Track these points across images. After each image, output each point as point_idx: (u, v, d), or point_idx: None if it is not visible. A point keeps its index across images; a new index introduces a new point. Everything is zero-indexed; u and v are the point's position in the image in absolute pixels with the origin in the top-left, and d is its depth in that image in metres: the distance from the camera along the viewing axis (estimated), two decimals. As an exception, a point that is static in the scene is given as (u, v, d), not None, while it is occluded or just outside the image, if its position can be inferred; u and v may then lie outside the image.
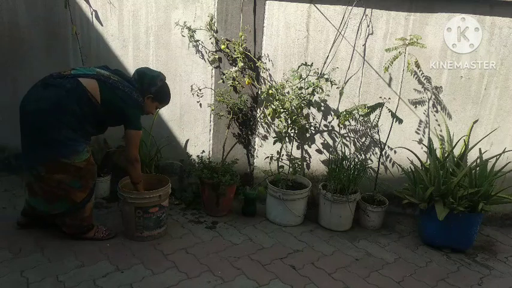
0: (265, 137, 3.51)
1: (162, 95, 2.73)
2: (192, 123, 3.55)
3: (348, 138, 3.43)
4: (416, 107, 3.29)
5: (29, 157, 2.48)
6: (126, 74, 2.67)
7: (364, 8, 3.12)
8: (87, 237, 2.69)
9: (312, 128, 3.43)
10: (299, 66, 3.09)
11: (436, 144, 3.30)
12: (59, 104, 2.37)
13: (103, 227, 2.77)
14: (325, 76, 3.13)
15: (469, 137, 3.25)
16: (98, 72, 2.51)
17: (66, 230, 2.65)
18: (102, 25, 3.42)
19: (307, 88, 3.16)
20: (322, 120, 3.41)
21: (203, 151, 3.53)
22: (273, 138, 3.46)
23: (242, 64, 3.23)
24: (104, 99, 2.45)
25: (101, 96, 2.44)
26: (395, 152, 3.40)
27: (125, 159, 2.67)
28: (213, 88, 3.43)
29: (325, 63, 3.27)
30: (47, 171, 2.44)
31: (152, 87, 2.64)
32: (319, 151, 3.49)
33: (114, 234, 2.78)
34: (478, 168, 2.94)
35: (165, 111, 3.55)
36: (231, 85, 3.32)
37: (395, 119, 3.20)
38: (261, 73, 3.35)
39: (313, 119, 3.42)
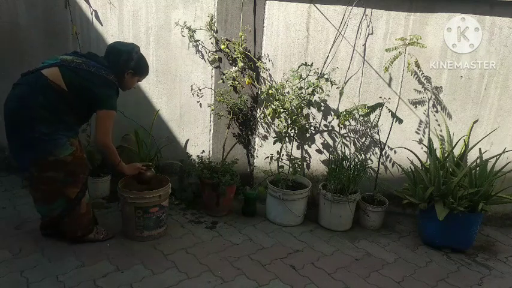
0: (265, 137, 3.51)
1: (142, 68, 2.62)
2: (192, 123, 3.55)
3: (348, 138, 3.43)
4: (416, 107, 3.29)
5: (18, 161, 2.45)
6: (98, 55, 2.53)
7: (364, 8, 3.12)
8: (87, 239, 2.67)
9: (312, 128, 3.43)
10: (299, 66, 3.09)
11: (436, 144, 3.30)
12: (24, 101, 2.31)
13: (101, 228, 2.76)
14: (325, 76, 3.13)
15: (469, 137, 3.25)
16: (61, 59, 2.40)
17: (68, 233, 2.62)
18: (102, 25, 3.42)
19: (307, 88, 3.16)
20: (322, 120, 3.41)
21: (203, 151, 3.53)
22: (273, 138, 3.46)
23: (242, 64, 3.23)
24: (68, 84, 2.33)
25: (64, 82, 2.33)
26: (395, 152, 3.40)
27: (95, 146, 2.54)
28: (213, 88, 3.43)
29: (325, 63, 3.27)
30: (39, 170, 2.40)
31: (131, 62, 2.51)
32: (319, 151, 3.49)
33: (112, 234, 2.76)
34: (478, 168, 2.94)
35: (164, 111, 3.55)
36: (231, 85, 3.32)
37: (395, 119, 3.20)
38: (261, 73, 3.35)
39: (313, 119, 3.42)
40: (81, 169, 2.50)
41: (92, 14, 3.40)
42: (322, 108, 3.38)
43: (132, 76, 2.59)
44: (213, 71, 3.40)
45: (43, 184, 2.45)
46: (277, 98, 3.15)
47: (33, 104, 2.30)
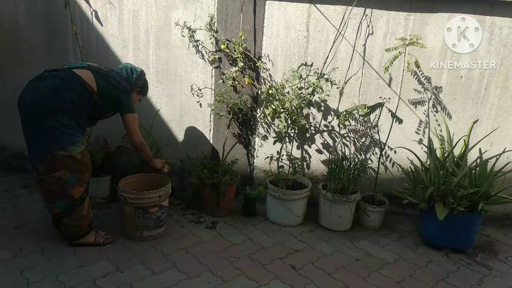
0: (265, 137, 3.51)
1: (146, 89, 2.97)
2: (192, 123, 3.55)
3: (348, 138, 3.43)
4: (416, 107, 3.29)
5: (31, 155, 2.50)
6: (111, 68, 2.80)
7: (364, 8, 3.12)
8: (87, 242, 2.65)
9: (312, 128, 3.43)
10: (299, 66, 3.09)
11: (436, 144, 3.30)
12: (56, 91, 2.41)
13: (102, 232, 2.74)
14: (325, 76, 3.13)
15: (469, 137, 3.25)
16: (88, 64, 2.65)
17: (66, 232, 2.62)
18: (102, 25, 3.42)
19: (307, 88, 3.16)
20: (322, 120, 3.41)
21: (203, 151, 3.53)
22: (273, 138, 3.46)
23: (242, 64, 3.23)
24: (99, 88, 2.54)
25: (97, 84, 2.54)
26: (395, 152, 3.40)
27: (133, 147, 2.82)
28: (213, 88, 3.43)
29: (325, 63, 3.27)
30: (47, 169, 2.43)
31: (139, 82, 2.84)
32: (319, 151, 3.49)
33: (113, 238, 2.75)
34: (478, 168, 2.94)
35: (164, 111, 3.55)
36: (231, 85, 3.32)
37: (395, 119, 3.20)
38: (261, 73, 3.35)
39: (313, 119, 3.42)
40: (86, 168, 2.57)
41: (92, 14, 3.40)
42: (322, 108, 3.38)
43: (137, 94, 2.90)
44: (213, 71, 3.40)
45: (49, 183, 2.46)
46: (277, 98, 3.15)
47: (63, 96, 2.42)
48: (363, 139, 3.42)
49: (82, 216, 2.59)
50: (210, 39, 3.32)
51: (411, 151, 3.21)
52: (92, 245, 2.66)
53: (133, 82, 2.80)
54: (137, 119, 2.76)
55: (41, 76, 2.51)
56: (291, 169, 3.37)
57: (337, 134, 3.42)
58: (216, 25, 3.28)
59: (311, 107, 3.38)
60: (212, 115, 3.48)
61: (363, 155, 3.44)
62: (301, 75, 3.07)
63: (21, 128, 2.52)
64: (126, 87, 2.70)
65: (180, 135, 3.60)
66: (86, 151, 2.57)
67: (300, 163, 3.45)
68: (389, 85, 3.26)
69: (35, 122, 2.43)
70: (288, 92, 3.17)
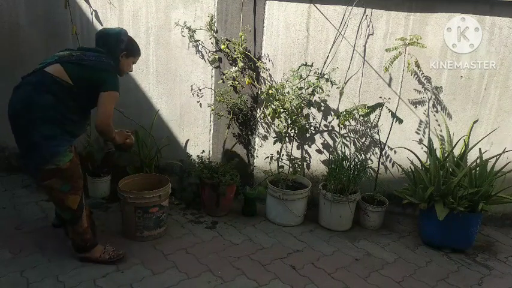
0: (265, 137, 3.51)
1: (133, 48, 2.61)
2: (192, 123, 3.55)
3: (348, 138, 3.43)
4: (416, 107, 3.29)
5: (26, 167, 2.43)
6: (89, 47, 2.51)
7: (364, 8, 3.12)
8: (93, 257, 2.48)
9: (312, 128, 3.43)
10: (299, 67, 3.09)
11: (436, 144, 3.30)
12: (28, 101, 2.26)
13: (110, 247, 2.55)
14: (325, 76, 3.13)
15: (469, 137, 3.25)
16: (58, 55, 2.39)
17: (73, 245, 2.49)
18: (102, 25, 3.41)
19: (307, 88, 3.16)
20: (322, 120, 3.41)
21: (203, 151, 3.53)
22: (273, 138, 3.46)
23: (242, 64, 3.23)
24: (74, 78, 2.30)
25: (70, 76, 2.30)
26: (395, 152, 3.40)
27: (96, 127, 2.37)
28: (213, 88, 3.43)
29: (325, 63, 3.27)
30: (38, 180, 2.35)
31: (121, 44, 2.50)
32: (319, 151, 3.49)
33: (122, 254, 2.54)
34: (478, 168, 2.94)
35: (164, 111, 3.55)
36: (231, 85, 3.32)
37: (395, 119, 3.20)
38: (261, 73, 3.35)
39: (313, 119, 3.42)
40: (78, 174, 2.41)
41: (92, 14, 3.40)
42: (322, 108, 3.38)
43: (127, 58, 2.57)
44: (213, 71, 3.40)
45: (46, 192, 2.40)
46: (277, 98, 3.15)
47: (38, 104, 2.25)
48: (363, 139, 3.42)
49: (84, 228, 2.44)
50: (210, 39, 3.32)
51: (411, 151, 3.21)
52: (98, 261, 2.48)
53: (114, 47, 2.47)
54: (115, 99, 2.40)
55: (17, 86, 2.37)
56: (291, 169, 3.37)
57: (337, 134, 3.42)
58: (216, 25, 3.28)
59: (311, 107, 3.38)
60: (212, 115, 3.48)
61: (363, 155, 3.44)
62: (301, 75, 3.07)
63: None
64: (105, 64, 2.38)
65: (180, 135, 3.60)
66: (75, 158, 2.38)
67: (300, 163, 3.45)
68: (389, 85, 3.26)
69: (17, 135, 2.33)
70: (288, 92, 3.17)
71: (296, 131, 3.34)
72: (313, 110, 3.39)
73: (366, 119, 3.34)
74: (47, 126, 2.26)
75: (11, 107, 2.33)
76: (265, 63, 3.32)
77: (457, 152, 3.20)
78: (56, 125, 2.29)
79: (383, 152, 3.40)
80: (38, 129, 2.25)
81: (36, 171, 2.31)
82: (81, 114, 2.44)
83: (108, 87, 2.36)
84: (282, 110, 3.18)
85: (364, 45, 3.21)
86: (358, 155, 3.40)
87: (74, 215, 2.39)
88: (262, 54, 3.32)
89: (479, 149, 3.03)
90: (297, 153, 3.50)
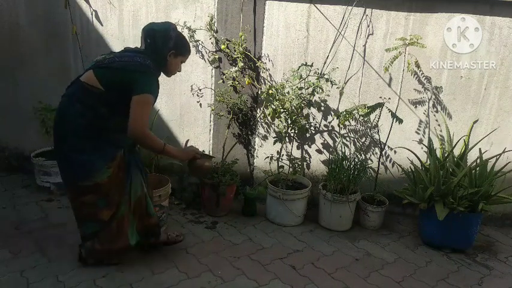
0: (265, 137, 3.51)
1: (183, 46, 2.33)
2: (192, 123, 3.55)
3: (348, 138, 3.43)
4: (416, 107, 3.29)
5: (62, 179, 2.36)
6: (135, 48, 2.34)
7: (364, 8, 3.12)
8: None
9: (312, 128, 3.43)
10: (299, 67, 3.09)
11: (436, 144, 3.30)
12: (62, 113, 2.21)
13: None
14: (325, 76, 3.13)
15: (469, 137, 3.25)
16: (95, 61, 2.25)
17: (89, 256, 2.40)
18: (102, 25, 3.42)
19: (307, 88, 3.16)
20: (322, 120, 3.41)
21: (203, 151, 3.53)
22: (273, 138, 3.46)
23: (242, 64, 3.23)
24: (104, 83, 2.15)
25: (100, 82, 2.14)
26: (395, 152, 3.40)
27: (130, 135, 2.14)
28: (213, 88, 3.43)
29: (325, 63, 3.27)
30: (72, 196, 2.31)
31: (170, 42, 2.25)
32: (319, 151, 3.49)
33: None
34: (478, 168, 2.94)
35: (164, 111, 3.55)
36: (231, 85, 3.31)
37: (395, 119, 3.19)
38: (261, 73, 3.35)
39: (313, 119, 3.42)
40: (116, 190, 2.28)
41: (92, 14, 3.40)
42: (322, 108, 3.38)
43: (175, 57, 2.31)
44: (213, 71, 3.40)
45: (76, 208, 2.32)
46: (277, 98, 3.15)
47: (69, 115, 2.17)
48: (363, 139, 3.42)
49: (113, 238, 2.34)
50: (210, 39, 3.32)
51: (411, 151, 3.21)
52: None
53: (161, 46, 2.24)
54: (150, 103, 2.15)
55: (62, 96, 2.29)
56: (291, 169, 3.37)
57: (337, 134, 3.42)
58: (216, 25, 3.28)
59: (311, 107, 3.38)
60: (212, 115, 3.48)
61: (363, 155, 3.44)
62: (301, 75, 3.07)
63: None
64: (138, 64, 2.17)
65: (180, 135, 3.60)
66: (116, 171, 2.25)
67: (300, 163, 3.45)
68: (389, 85, 3.26)
69: (56, 150, 2.29)
70: (288, 92, 3.17)
71: (296, 131, 3.34)
72: (313, 110, 3.39)
73: (366, 119, 3.34)
74: (82, 140, 2.17)
75: (54, 121, 2.30)
76: (265, 63, 3.32)
77: (457, 152, 3.20)
78: (91, 137, 2.18)
79: (383, 152, 3.40)
80: (73, 143, 2.17)
81: (71, 187, 2.26)
82: (117, 120, 2.21)
83: (139, 90, 2.12)
84: (282, 110, 3.18)
85: (364, 45, 3.21)
86: (358, 155, 3.40)
87: (102, 226, 2.31)
88: (262, 54, 3.32)
89: (479, 149, 3.03)
90: (297, 153, 3.50)
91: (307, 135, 3.45)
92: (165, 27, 2.27)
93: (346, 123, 3.33)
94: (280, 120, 3.26)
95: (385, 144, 3.36)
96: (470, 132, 3.26)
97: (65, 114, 2.20)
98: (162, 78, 3.46)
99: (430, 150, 3.18)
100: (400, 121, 3.16)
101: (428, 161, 3.15)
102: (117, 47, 3.44)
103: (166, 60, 2.30)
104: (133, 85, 2.12)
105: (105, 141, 2.22)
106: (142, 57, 2.21)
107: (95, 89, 2.16)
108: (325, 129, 3.43)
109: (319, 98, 3.33)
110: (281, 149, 3.46)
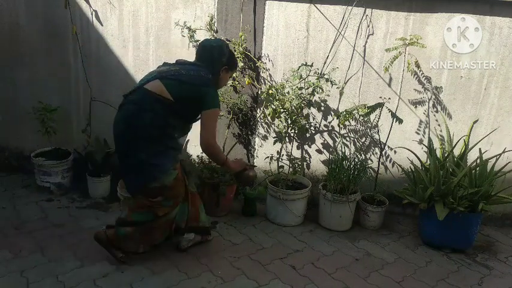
0: (265, 137, 3.51)
1: (234, 62, 2.56)
2: (192, 123, 3.55)
3: (348, 138, 3.43)
4: (416, 107, 3.29)
5: (127, 186, 2.47)
6: (186, 60, 2.52)
7: (364, 8, 3.12)
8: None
9: (312, 128, 3.43)
10: (299, 67, 3.09)
11: (436, 144, 3.30)
12: (129, 122, 2.28)
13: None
14: (325, 76, 3.13)
15: (469, 137, 3.25)
16: (158, 71, 2.38)
17: (126, 247, 2.46)
18: (102, 25, 3.42)
19: (307, 88, 3.16)
20: (322, 120, 3.41)
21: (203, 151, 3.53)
22: (273, 138, 3.46)
23: (242, 64, 3.23)
24: (174, 94, 2.28)
25: (170, 93, 2.27)
26: (395, 152, 3.40)
27: (201, 147, 2.40)
28: (213, 88, 3.43)
29: (325, 63, 3.27)
30: (145, 197, 2.38)
31: (223, 58, 2.44)
32: (319, 151, 3.49)
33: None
34: (478, 168, 2.94)
35: (165, 111, 3.55)
36: (231, 85, 3.31)
37: (395, 119, 3.19)
38: (261, 73, 3.35)
39: (313, 119, 3.42)
40: (180, 191, 2.47)
41: (92, 14, 3.40)
42: (322, 108, 3.38)
43: (227, 72, 2.51)
44: (213, 71, 3.40)
45: (139, 207, 2.42)
46: (277, 98, 3.15)
47: (140, 123, 2.26)
48: (363, 139, 3.42)
49: (150, 230, 2.45)
50: (210, 39, 3.32)
51: (411, 151, 3.21)
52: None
53: (217, 61, 2.42)
54: (217, 116, 2.43)
55: (120, 104, 2.38)
56: (291, 169, 3.37)
57: (337, 134, 3.42)
58: (216, 25, 3.28)
59: (311, 107, 3.38)
60: (212, 115, 3.48)
61: (363, 155, 3.44)
62: (301, 75, 3.07)
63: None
64: (204, 79, 2.34)
65: (180, 135, 3.60)
66: (180, 173, 2.43)
67: (300, 163, 3.45)
68: (389, 85, 3.26)
69: (122, 157, 2.37)
70: (288, 92, 3.17)
71: (296, 131, 3.34)
72: (313, 110, 3.39)
73: (366, 119, 3.34)
74: (151, 145, 2.28)
75: (116, 126, 2.35)
76: (265, 63, 3.32)
77: (457, 152, 3.20)
78: (159, 143, 2.30)
79: (383, 152, 3.40)
80: (142, 148, 2.27)
81: (140, 189, 2.34)
82: (181, 129, 2.45)
83: (210, 105, 2.33)
84: (282, 110, 3.18)
85: (364, 45, 3.21)
86: (358, 155, 3.40)
87: (153, 218, 2.42)
88: (262, 54, 3.32)
89: (479, 149, 3.03)
90: (297, 153, 3.50)
91: (307, 135, 3.45)
92: (221, 44, 2.48)
93: (346, 123, 3.33)
94: (280, 120, 3.26)
95: (385, 144, 3.36)
96: (470, 132, 3.26)
97: (136, 122, 2.27)
98: (162, 78, 3.47)
99: (430, 150, 3.18)
100: (400, 121, 3.16)
101: (428, 161, 3.16)
102: (117, 47, 3.44)
103: (219, 74, 2.46)
104: (202, 99, 2.32)
105: (170, 145, 2.37)
106: (205, 71, 2.37)
107: (165, 99, 2.27)
108: (325, 129, 3.43)
109: (319, 98, 3.33)
110: (281, 149, 3.46)
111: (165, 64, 2.50)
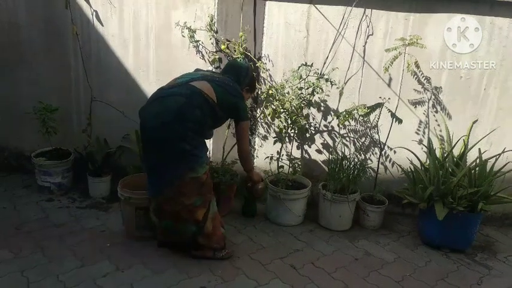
0: (265, 137, 3.51)
1: (254, 85, 2.84)
2: (192, 123, 3.55)
3: (347, 138, 3.43)
4: (416, 107, 3.30)
5: (157, 180, 2.43)
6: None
7: (364, 9, 3.12)
8: (216, 256, 2.61)
9: (312, 128, 3.44)
10: (299, 67, 3.09)
11: (436, 144, 3.30)
12: (181, 112, 2.32)
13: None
14: (325, 76, 3.13)
15: (468, 137, 3.25)
16: (201, 74, 2.53)
17: (201, 252, 2.59)
18: (102, 25, 3.42)
19: (307, 88, 3.16)
20: (322, 120, 3.42)
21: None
22: (273, 138, 3.46)
23: (242, 64, 3.23)
24: (218, 99, 2.44)
25: (216, 96, 2.43)
26: (395, 152, 3.40)
27: (238, 153, 2.69)
28: (213, 88, 3.43)
29: (325, 63, 3.27)
30: (175, 193, 2.39)
31: (247, 79, 2.68)
32: (319, 151, 3.49)
33: (231, 254, 2.67)
34: (477, 168, 2.94)
35: (165, 111, 3.55)
36: (231, 85, 3.31)
37: (395, 119, 3.20)
38: (261, 73, 3.35)
39: (313, 119, 3.42)
40: (209, 188, 2.54)
41: (92, 14, 3.40)
42: (322, 108, 3.39)
43: (247, 92, 2.75)
44: (214, 71, 3.40)
45: (173, 208, 2.43)
46: (277, 98, 3.15)
47: (189, 115, 2.35)
48: (363, 139, 3.42)
49: (210, 232, 2.54)
50: (210, 39, 3.32)
51: (411, 151, 3.22)
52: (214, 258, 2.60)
53: (242, 80, 2.66)
54: (249, 126, 2.72)
55: (160, 95, 2.42)
56: (290, 169, 3.37)
57: (337, 134, 3.43)
58: (216, 25, 3.29)
59: (311, 107, 3.38)
60: (212, 115, 3.48)
61: (362, 155, 3.44)
62: (301, 76, 3.07)
63: (144, 154, 2.52)
64: (239, 92, 2.57)
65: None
66: (208, 171, 2.53)
67: (300, 163, 3.46)
68: (389, 85, 3.27)
69: (161, 148, 2.36)
70: (288, 92, 3.17)
71: (296, 131, 3.34)
72: (313, 110, 3.40)
73: (365, 119, 3.34)
74: (194, 137, 2.39)
75: (157, 119, 2.34)
76: (265, 63, 3.33)
77: (456, 152, 3.20)
78: (200, 136, 2.45)
79: (383, 152, 3.40)
80: (187, 140, 2.35)
81: (177, 179, 2.37)
82: (211, 130, 2.62)
83: (245, 117, 2.58)
84: (282, 110, 3.18)
85: (364, 46, 3.22)
86: (358, 155, 3.41)
87: (198, 226, 2.49)
88: (262, 55, 3.32)
89: (479, 149, 3.04)
90: (297, 153, 3.51)
91: (307, 135, 3.45)
92: (247, 66, 2.78)
93: (346, 123, 3.34)
94: (280, 120, 3.26)
95: (384, 144, 3.36)
96: (469, 132, 3.26)
97: (188, 114, 2.35)
98: (163, 77, 3.48)
99: (430, 150, 3.19)
100: (400, 121, 3.16)
101: (428, 161, 3.16)
102: (117, 47, 3.44)
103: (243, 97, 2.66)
104: (238, 111, 2.54)
105: (204, 143, 2.53)
106: (238, 87, 2.59)
107: (211, 100, 2.42)
108: (325, 129, 3.44)
109: (319, 98, 3.33)
110: (281, 149, 3.47)
111: (198, 70, 2.68)
